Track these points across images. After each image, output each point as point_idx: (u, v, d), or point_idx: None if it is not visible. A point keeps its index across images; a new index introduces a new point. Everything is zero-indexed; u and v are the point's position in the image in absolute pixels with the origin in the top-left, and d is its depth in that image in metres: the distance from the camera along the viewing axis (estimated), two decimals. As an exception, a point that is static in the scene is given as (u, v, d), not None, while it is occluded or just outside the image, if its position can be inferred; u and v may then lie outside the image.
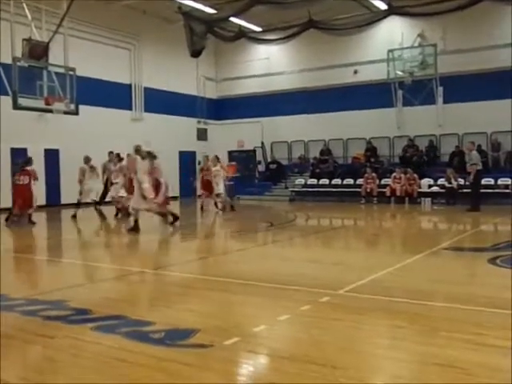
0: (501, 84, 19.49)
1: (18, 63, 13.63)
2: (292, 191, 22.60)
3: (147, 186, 11.15)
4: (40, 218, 14.81)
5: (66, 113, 15.06)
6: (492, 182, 18.72)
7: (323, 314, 4.81)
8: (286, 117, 24.43)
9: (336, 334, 4.26)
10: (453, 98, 20.55)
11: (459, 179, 18.30)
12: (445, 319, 4.59)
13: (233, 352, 3.83)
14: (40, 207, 16.73)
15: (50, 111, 14.99)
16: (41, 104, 14.58)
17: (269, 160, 24.89)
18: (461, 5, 14.90)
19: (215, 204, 16.55)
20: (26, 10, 14.84)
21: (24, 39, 14.32)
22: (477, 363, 3.51)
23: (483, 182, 18.41)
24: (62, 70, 14.91)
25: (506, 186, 18.44)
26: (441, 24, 19.27)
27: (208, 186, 16.37)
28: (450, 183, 18.34)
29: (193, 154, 25.42)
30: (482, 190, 16.96)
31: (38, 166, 16.61)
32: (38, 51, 14.39)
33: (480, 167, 15.73)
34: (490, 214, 14.98)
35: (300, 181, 23.01)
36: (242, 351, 3.87)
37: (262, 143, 25.29)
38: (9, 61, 13.59)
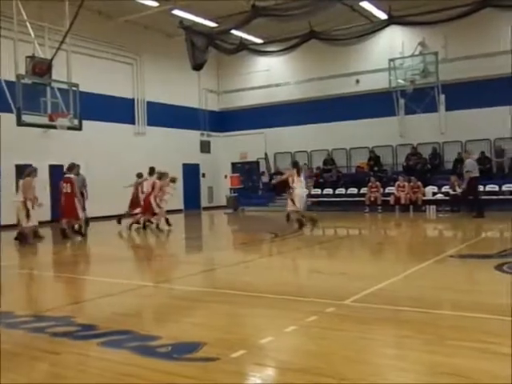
0: (503, 91, 19.49)
1: (22, 80, 13.73)
2: (296, 201, 22.56)
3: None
4: (46, 232, 14.86)
5: (69, 128, 15.14)
6: (496, 188, 18.69)
7: (329, 324, 4.79)
8: (289, 127, 24.51)
9: (343, 344, 4.24)
10: (455, 106, 20.59)
11: (463, 186, 18.27)
12: (452, 327, 4.57)
13: (239, 365, 3.82)
14: (47, 222, 16.80)
15: (54, 127, 15.08)
16: (45, 120, 14.67)
17: (272, 171, 24.92)
18: (461, 13, 15.00)
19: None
20: (29, 28, 15.00)
21: (27, 56, 14.46)
22: (485, 371, 3.49)
23: (488, 188, 18.55)
24: (65, 86, 15.02)
25: (511, 192, 18.38)
26: (442, 32, 19.32)
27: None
28: (455, 190, 18.32)
29: (196, 167, 25.50)
30: (487, 197, 17.42)
31: (44, 182, 16.74)
32: (41, 68, 14.52)
33: (476, 174, 16.09)
34: (495, 220, 14.94)
35: (304, 191, 22.96)
36: (248, 364, 3.87)
37: (266, 154, 25.33)
38: (13, 78, 13.70)
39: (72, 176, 13.32)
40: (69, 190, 13.06)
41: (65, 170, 13.95)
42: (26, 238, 12.27)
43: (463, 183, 16.57)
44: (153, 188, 14.90)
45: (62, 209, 13.33)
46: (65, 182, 13.23)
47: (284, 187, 15.62)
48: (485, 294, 5.92)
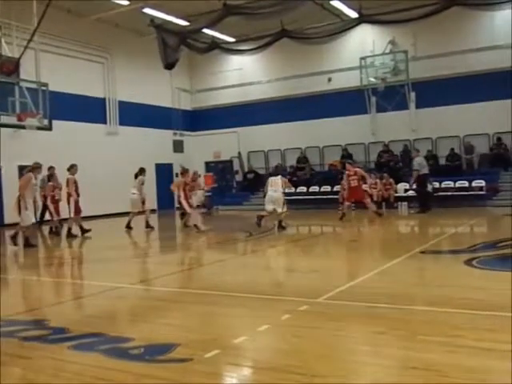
0: (471, 88, 19.86)
1: (-11, 80, 13.49)
2: (270, 200, 22.58)
3: None
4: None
5: (39, 128, 14.90)
6: (466, 184, 19.02)
7: (303, 322, 4.81)
8: (262, 126, 24.55)
9: (316, 342, 4.27)
10: (425, 103, 20.89)
11: (434, 183, 18.59)
12: (423, 323, 4.64)
13: (213, 365, 3.81)
14: (14, 224, 16.49)
15: (23, 127, 14.83)
16: (13, 120, 14.42)
17: (246, 170, 24.92)
18: (429, 11, 15.24)
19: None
20: (-4, 27, 14.72)
21: (-6, 55, 14.20)
22: (453, 365, 3.55)
23: (458, 184, 18.96)
24: (34, 86, 14.77)
25: (480, 188, 18.74)
26: (411, 31, 19.60)
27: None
28: (426, 187, 18.55)
29: (169, 167, 25.35)
30: (457, 193, 18.27)
31: (12, 183, 16.41)
32: (8, 67, 14.26)
33: (424, 172, 16.86)
34: (466, 215, 15.21)
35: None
36: (221, 364, 3.86)
37: (239, 153, 25.33)
38: (-21, 78, 13.44)
39: (69, 176, 13.68)
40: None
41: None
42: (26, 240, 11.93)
43: (411, 181, 17.48)
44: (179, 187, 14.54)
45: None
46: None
47: None
48: (454, 289, 6.01)
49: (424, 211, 16.49)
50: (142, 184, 15.22)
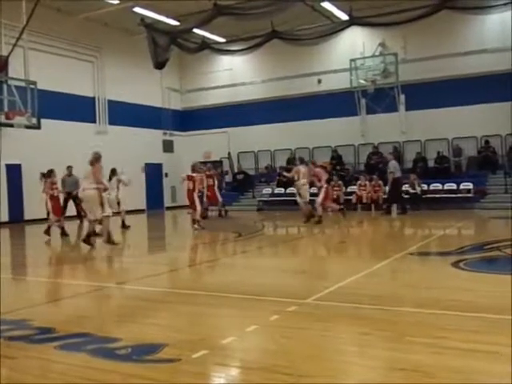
0: (460, 91, 20.00)
1: (-23, 78, 13.39)
2: (259, 201, 22.64)
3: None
4: (3, 234, 14.51)
5: (27, 127, 14.81)
6: (454, 186, 19.14)
7: (291, 323, 4.82)
8: (252, 127, 24.55)
9: (303, 342, 4.27)
10: (414, 106, 21.00)
11: (422, 185, 18.69)
12: (410, 324, 4.66)
13: (200, 365, 3.80)
14: (2, 224, 16.40)
15: (12, 126, 14.72)
16: (1, 118, 14.34)
17: (236, 170, 24.90)
18: (419, 15, 15.35)
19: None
20: (-16, 24, 14.62)
21: (-18, 53, 14.10)
22: (439, 366, 3.57)
23: (446, 186, 19.09)
24: (22, 84, 14.68)
25: (468, 191, 18.86)
26: (401, 33, 19.70)
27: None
28: (414, 189, 18.68)
29: (159, 166, 25.27)
30: (446, 195, 18.40)
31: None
32: (-3, 65, 14.18)
33: (398, 175, 17.06)
34: (454, 218, 15.30)
35: (267, 190, 23.07)
36: (209, 364, 3.85)
37: (229, 153, 25.31)
38: (-33, 75, 13.33)
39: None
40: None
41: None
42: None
43: (387, 184, 17.61)
44: (194, 183, 14.21)
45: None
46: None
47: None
48: (441, 291, 6.04)
49: (404, 213, 16.88)
50: (119, 183, 14.94)
